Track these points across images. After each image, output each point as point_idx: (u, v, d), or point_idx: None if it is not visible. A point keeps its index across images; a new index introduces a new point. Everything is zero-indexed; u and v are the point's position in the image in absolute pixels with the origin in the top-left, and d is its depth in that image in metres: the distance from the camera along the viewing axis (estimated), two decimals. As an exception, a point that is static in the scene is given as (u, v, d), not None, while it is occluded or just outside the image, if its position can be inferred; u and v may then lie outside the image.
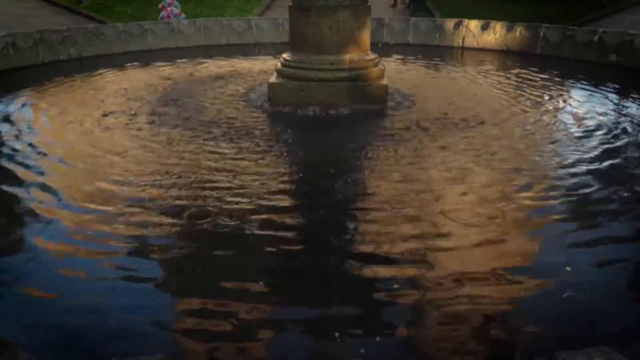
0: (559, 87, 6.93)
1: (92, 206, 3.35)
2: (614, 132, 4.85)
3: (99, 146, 4.46)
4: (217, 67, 8.07)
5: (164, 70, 7.85)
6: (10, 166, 4.02)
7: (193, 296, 2.49)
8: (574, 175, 3.85)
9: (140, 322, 2.28)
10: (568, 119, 5.36)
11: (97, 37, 9.04)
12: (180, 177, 3.79)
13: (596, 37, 8.40)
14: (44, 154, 4.32)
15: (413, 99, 5.94)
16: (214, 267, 2.75)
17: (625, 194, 3.54)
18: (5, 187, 3.64)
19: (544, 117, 5.39)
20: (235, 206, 3.33)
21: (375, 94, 5.62)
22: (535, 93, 6.42)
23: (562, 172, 3.93)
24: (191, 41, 9.93)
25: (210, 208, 3.31)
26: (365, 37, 5.76)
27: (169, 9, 11.11)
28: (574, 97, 6.46)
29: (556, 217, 3.26)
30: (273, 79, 5.82)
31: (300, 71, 5.62)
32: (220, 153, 4.27)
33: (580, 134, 4.81)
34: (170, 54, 9.08)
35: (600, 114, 5.46)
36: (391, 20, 10.77)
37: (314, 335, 2.24)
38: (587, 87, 6.84)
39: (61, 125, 5.14)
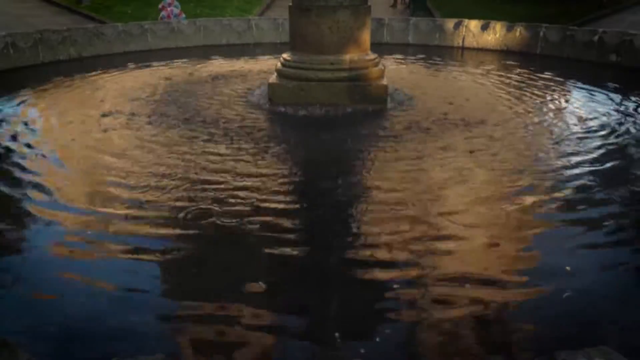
0: (559, 87, 6.93)
1: (90, 207, 3.35)
2: (615, 132, 4.85)
3: (98, 146, 4.46)
4: (217, 67, 8.07)
5: (163, 70, 7.85)
6: (9, 166, 4.02)
7: (193, 296, 2.49)
8: (575, 175, 3.85)
9: (140, 322, 2.28)
10: (568, 119, 5.36)
11: (97, 37, 9.04)
12: (179, 177, 3.79)
13: (596, 37, 8.40)
14: (43, 154, 4.32)
15: (413, 99, 5.94)
16: (213, 267, 2.75)
17: (627, 194, 3.54)
18: (2, 188, 3.64)
19: (544, 117, 5.39)
20: (235, 207, 3.33)
21: (375, 94, 5.62)
22: (535, 93, 6.42)
23: (562, 172, 3.93)
24: (191, 41, 9.93)
25: (209, 208, 3.30)
26: (365, 37, 5.76)
27: (169, 9, 11.11)
28: (575, 97, 6.46)
29: (557, 217, 3.27)
30: (273, 79, 5.82)
31: (300, 71, 5.62)
32: (219, 153, 4.27)
33: (581, 134, 4.81)
34: (170, 54, 9.08)
35: (601, 114, 5.46)
36: (391, 20, 10.77)
37: (314, 335, 2.24)
38: (587, 87, 6.84)
39: (60, 125, 5.14)
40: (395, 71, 7.50)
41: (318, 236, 3.09)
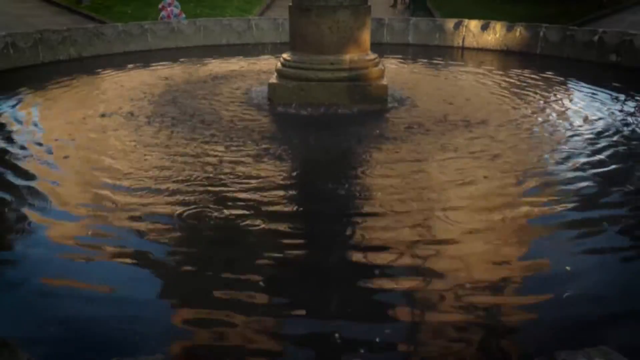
0: (559, 87, 6.93)
1: (88, 207, 3.35)
2: (616, 133, 4.84)
3: (98, 147, 4.45)
4: (217, 67, 8.07)
5: (163, 70, 7.85)
6: (7, 167, 4.01)
7: (192, 297, 2.49)
8: (577, 175, 3.84)
9: (140, 322, 2.28)
10: (569, 119, 5.35)
11: (97, 37, 9.04)
12: (178, 178, 3.78)
13: (596, 37, 8.40)
14: (42, 155, 4.31)
15: (413, 99, 5.94)
16: (213, 268, 2.74)
17: (629, 195, 3.54)
18: None
19: (545, 117, 5.39)
20: (235, 207, 3.32)
21: (375, 94, 5.62)
22: (535, 93, 6.42)
23: (564, 172, 3.92)
24: (191, 41, 9.93)
25: (209, 209, 3.30)
26: (365, 37, 5.76)
27: (169, 9, 11.11)
28: (575, 97, 6.46)
29: (557, 217, 3.25)
30: (273, 79, 5.82)
31: (300, 71, 5.62)
32: (219, 153, 4.26)
33: (582, 134, 4.80)
34: (170, 54, 9.08)
35: (603, 114, 5.46)
36: (391, 20, 10.77)
37: (314, 335, 2.24)
38: (587, 87, 6.84)
39: (60, 125, 5.14)
40: (395, 71, 7.50)
41: (318, 236, 3.09)
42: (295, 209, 3.45)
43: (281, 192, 3.60)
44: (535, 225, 3.22)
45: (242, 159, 4.14)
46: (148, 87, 6.66)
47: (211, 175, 3.83)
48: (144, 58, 8.70)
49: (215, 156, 4.20)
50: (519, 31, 9.38)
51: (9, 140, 4.63)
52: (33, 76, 7.31)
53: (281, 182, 3.78)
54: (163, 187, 3.62)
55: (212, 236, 3.05)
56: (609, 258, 2.83)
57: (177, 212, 3.26)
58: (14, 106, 5.78)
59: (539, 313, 2.35)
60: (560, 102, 6.12)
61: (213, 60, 8.56)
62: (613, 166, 4.04)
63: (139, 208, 3.31)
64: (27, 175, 3.84)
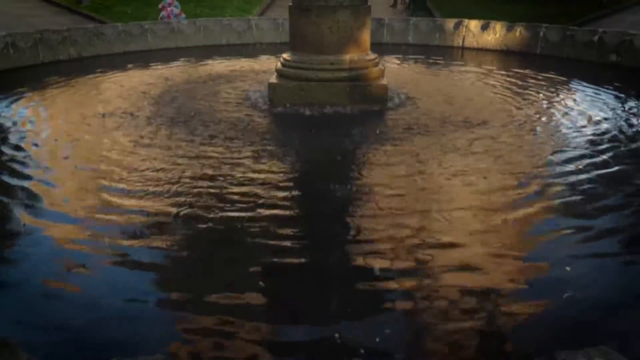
0: (559, 87, 6.93)
1: (87, 208, 3.35)
2: (617, 132, 4.84)
3: (97, 147, 4.45)
4: (217, 67, 8.07)
5: (163, 70, 7.85)
6: (6, 167, 4.01)
7: (192, 296, 2.49)
8: (578, 176, 3.83)
9: (140, 322, 2.28)
10: (570, 119, 5.34)
11: (97, 37, 9.04)
12: (178, 178, 3.78)
13: (596, 37, 8.40)
14: (42, 155, 4.31)
15: (413, 99, 5.94)
16: (213, 268, 2.75)
17: (631, 195, 3.54)
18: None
19: (546, 118, 5.39)
20: (234, 207, 3.32)
21: (376, 94, 5.62)
22: (536, 93, 6.42)
23: (565, 173, 3.90)
24: (191, 41, 9.93)
25: (208, 209, 3.30)
26: (365, 37, 5.76)
27: (169, 9, 11.11)
28: (575, 97, 6.46)
29: (558, 218, 3.26)
30: (273, 79, 5.82)
31: (300, 71, 5.62)
32: (219, 154, 4.26)
33: (583, 135, 4.79)
34: (170, 54, 9.08)
35: (604, 115, 5.46)
36: (391, 20, 10.77)
37: (313, 335, 2.24)
38: (587, 87, 6.84)
39: (60, 125, 5.14)
40: (395, 71, 7.50)
41: (318, 237, 3.09)
42: (295, 209, 3.45)
43: (281, 193, 3.60)
44: (536, 226, 3.22)
45: (242, 159, 4.13)
46: (148, 87, 6.66)
47: (210, 175, 3.83)
48: (144, 58, 8.70)
49: (215, 156, 4.19)
50: (519, 31, 9.37)
51: (8, 140, 4.63)
52: (33, 76, 7.31)
53: (281, 182, 3.78)
54: (162, 187, 3.62)
55: (211, 237, 3.05)
56: (609, 258, 2.83)
57: (177, 212, 3.26)
58: (13, 106, 5.78)
59: (539, 313, 2.35)
60: (561, 102, 6.11)
61: (213, 60, 8.56)
62: (616, 167, 4.02)
63: (138, 209, 3.31)
64: (27, 176, 3.84)
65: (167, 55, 8.99)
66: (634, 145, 4.56)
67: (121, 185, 3.65)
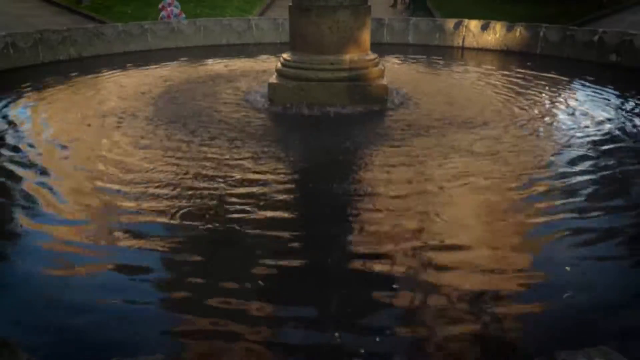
0: (559, 87, 6.93)
1: (86, 208, 3.35)
2: (617, 133, 4.84)
3: (97, 147, 4.45)
4: (217, 67, 8.08)
5: (163, 70, 7.85)
6: (5, 167, 4.00)
7: (192, 297, 2.49)
8: (580, 176, 3.82)
9: (140, 322, 2.28)
10: (571, 119, 5.33)
11: (97, 37, 9.04)
12: (178, 178, 3.78)
13: (596, 37, 8.40)
14: (41, 155, 4.31)
15: (413, 99, 5.94)
16: (212, 268, 2.75)
17: (632, 196, 3.53)
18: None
19: (547, 118, 5.38)
20: (234, 208, 3.32)
21: (375, 94, 5.62)
22: (536, 93, 6.42)
23: (566, 173, 3.90)
24: (191, 41, 9.93)
25: (208, 209, 3.30)
26: (365, 37, 5.76)
27: (169, 9, 11.11)
28: (576, 97, 6.46)
29: (558, 218, 3.25)
30: (273, 79, 5.82)
31: (300, 71, 5.62)
32: (219, 154, 4.26)
33: (585, 135, 4.78)
34: (170, 54, 9.08)
35: (602, 114, 5.46)
36: (391, 20, 10.78)
37: (313, 335, 2.24)
38: (588, 87, 6.84)
39: (59, 125, 5.14)
40: (395, 71, 7.50)
41: (318, 236, 3.09)
42: (295, 209, 3.45)
43: (281, 193, 3.60)
44: (536, 226, 3.22)
45: (242, 160, 4.13)
46: (148, 87, 6.66)
47: (210, 176, 3.82)
48: (144, 58, 8.70)
49: (215, 157, 4.19)
50: (519, 31, 9.38)
51: (8, 140, 4.63)
52: (33, 76, 7.31)
53: (281, 182, 3.78)
54: (162, 188, 3.62)
55: (211, 237, 3.05)
56: (610, 258, 2.82)
57: (177, 212, 3.26)
58: (13, 106, 5.78)
59: (539, 313, 2.35)
60: (562, 102, 6.12)
61: (213, 60, 8.56)
62: (619, 168, 4.01)
63: (137, 209, 3.31)
64: (26, 176, 3.84)
65: (167, 55, 9.00)
66: (636, 146, 4.55)
67: (120, 186, 3.64)
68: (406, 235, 3.01)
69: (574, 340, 2.09)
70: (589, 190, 3.61)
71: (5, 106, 5.75)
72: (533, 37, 9.20)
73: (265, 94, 5.84)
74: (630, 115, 5.43)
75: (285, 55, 5.88)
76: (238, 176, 3.81)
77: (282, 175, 3.90)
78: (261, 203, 3.39)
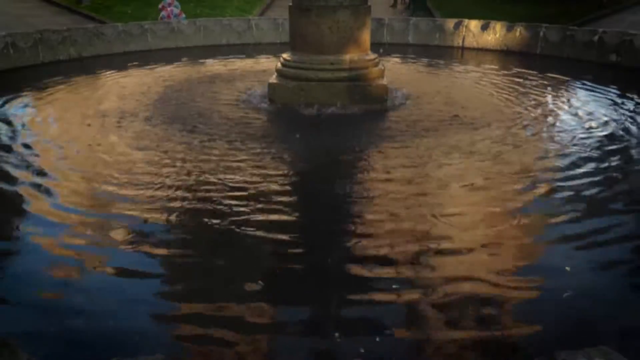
0: (560, 87, 6.93)
1: (86, 208, 3.35)
2: (618, 133, 4.84)
3: (96, 147, 4.45)
4: (217, 67, 8.08)
5: (163, 70, 7.85)
6: (4, 167, 4.00)
7: (192, 297, 2.49)
8: (582, 177, 3.81)
9: (140, 323, 2.28)
10: (573, 119, 5.33)
11: (97, 37, 9.04)
12: (177, 178, 3.78)
13: (596, 37, 8.40)
14: (40, 155, 4.30)
15: (413, 99, 5.94)
16: (212, 269, 2.74)
17: (634, 197, 3.53)
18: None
19: (547, 118, 5.38)
20: (234, 208, 3.32)
21: (375, 94, 5.62)
22: (536, 93, 6.41)
23: (567, 174, 3.90)
24: (191, 41, 9.94)
25: (208, 209, 3.30)
26: (365, 37, 5.76)
27: (169, 9, 11.11)
28: (576, 97, 6.46)
29: (558, 218, 3.24)
30: (273, 79, 5.82)
31: (300, 71, 5.62)
32: (219, 154, 4.26)
33: (585, 135, 4.78)
34: (170, 54, 9.09)
35: (603, 114, 5.45)
36: (391, 20, 10.78)
37: (313, 335, 2.24)
38: (588, 87, 6.84)
39: (59, 126, 5.14)
40: (395, 71, 7.50)
41: (318, 236, 3.09)
42: (295, 209, 3.45)
43: (281, 193, 3.59)
44: (537, 226, 3.22)
45: (242, 160, 4.13)
46: (148, 87, 6.66)
47: (210, 176, 3.82)
48: (144, 58, 8.70)
49: (215, 157, 4.19)
50: (519, 31, 9.38)
51: (8, 140, 4.63)
52: (33, 76, 7.31)
53: (281, 183, 3.78)
54: (161, 188, 3.61)
55: (210, 238, 3.05)
56: (610, 258, 2.82)
57: (176, 213, 3.26)
58: (13, 106, 5.78)
59: (539, 313, 2.35)
60: (562, 102, 6.12)
61: (213, 60, 8.56)
62: (621, 168, 4.00)
63: (136, 210, 3.30)
64: (25, 176, 3.84)
65: (167, 55, 9.00)
66: (634, 143, 4.55)
67: (119, 187, 3.63)
68: (406, 235, 3.01)
69: (574, 340, 2.09)
70: (592, 191, 3.60)
71: (5, 106, 5.75)
72: (533, 37, 9.20)
73: (265, 94, 5.84)
74: (633, 115, 5.42)
75: (285, 55, 5.88)
76: (238, 176, 3.81)
77: (282, 176, 3.90)
78: (261, 203, 3.38)
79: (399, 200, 3.44)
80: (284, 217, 3.24)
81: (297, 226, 3.21)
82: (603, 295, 2.48)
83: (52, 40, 8.43)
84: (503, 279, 2.62)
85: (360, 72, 5.62)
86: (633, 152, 4.41)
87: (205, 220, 3.17)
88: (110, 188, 3.61)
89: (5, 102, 5.88)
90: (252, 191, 3.56)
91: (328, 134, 4.94)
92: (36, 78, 7.16)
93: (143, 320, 2.30)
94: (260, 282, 2.58)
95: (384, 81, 5.73)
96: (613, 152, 4.33)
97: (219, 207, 3.32)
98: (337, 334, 2.19)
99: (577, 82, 7.14)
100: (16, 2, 16.18)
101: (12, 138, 4.69)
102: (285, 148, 4.47)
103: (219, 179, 3.75)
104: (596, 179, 3.78)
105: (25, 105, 5.88)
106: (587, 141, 4.60)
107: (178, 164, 4.05)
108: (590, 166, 4.01)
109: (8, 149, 4.40)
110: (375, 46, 6.49)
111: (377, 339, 2.17)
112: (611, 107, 5.77)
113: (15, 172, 3.90)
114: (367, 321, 2.32)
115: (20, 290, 2.50)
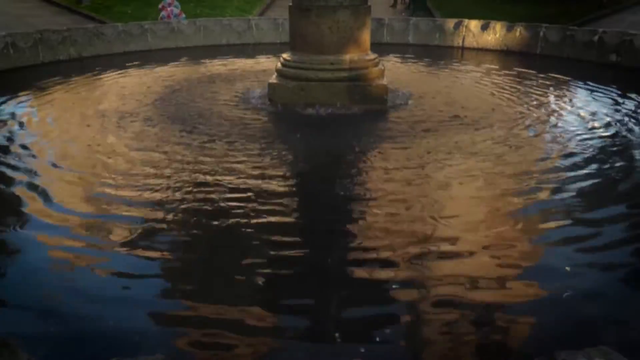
0: (560, 87, 6.92)
1: (86, 209, 3.35)
2: (619, 133, 4.83)
3: (96, 148, 4.44)
4: (217, 67, 8.07)
5: (163, 70, 7.85)
6: (4, 167, 4.00)
7: (192, 298, 2.49)
8: (580, 177, 3.81)
9: (140, 323, 2.28)
10: (574, 120, 5.31)
11: (97, 37, 9.04)
12: (177, 178, 3.78)
13: (596, 37, 8.40)
14: (40, 155, 4.29)
15: (413, 99, 5.94)
16: (212, 269, 2.74)
17: (634, 197, 3.52)
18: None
19: (548, 118, 5.37)
20: (234, 208, 3.32)
21: (375, 94, 5.62)
22: (536, 93, 6.41)
23: (568, 174, 3.89)
24: (191, 41, 9.94)
25: (207, 210, 3.30)
26: (365, 37, 5.76)
27: (169, 9, 11.11)
28: (576, 97, 6.45)
29: (558, 218, 3.25)
30: (273, 79, 5.82)
31: (300, 71, 5.62)
32: (218, 154, 4.25)
33: (585, 135, 4.77)
34: (170, 54, 9.09)
35: (603, 114, 5.45)
36: (391, 20, 10.78)
37: (314, 335, 2.24)
38: (588, 87, 6.83)
39: (59, 126, 5.14)
40: (395, 71, 7.50)
41: (318, 236, 3.09)
42: (295, 210, 3.45)
43: (280, 194, 3.59)
44: (537, 227, 3.22)
45: (241, 160, 4.13)
46: (147, 87, 6.66)
47: (210, 176, 3.82)
48: (144, 58, 8.70)
49: (214, 157, 4.18)
50: (519, 31, 9.37)
51: (7, 140, 4.62)
52: (33, 76, 7.31)
53: (280, 183, 3.77)
54: (161, 188, 3.61)
55: (210, 238, 3.05)
56: (610, 259, 2.82)
57: (177, 213, 3.26)
58: (13, 106, 5.78)
59: (539, 313, 2.35)
60: (563, 102, 6.11)
61: (213, 60, 8.55)
62: (622, 169, 3.99)
63: (136, 210, 3.30)
64: (24, 177, 3.83)
65: (167, 55, 9.00)
66: (635, 143, 4.55)
67: (118, 188, 3.63)
68: (407, 236, 3.00)
69: (574, 340, 2.09)
70: (594, 192, 3.59)
71: (5, 106, 5.74)
72: (533, 37, 9.20)
73: (265, 94, 5.84)
74: (636, 116, 5.40)
75: (285, 55, 5.88)
76: (238, 177, 3.80)
77: (282, 176, 3.90)
78: (261, 204, 3.38)
79: (399, 201, 3.43)
80: (284, 218, 3.24)
81: (297, 226, 3.21)
82: (603, 295, 2.48)
83: (52, 40, 8.43)
84: (503, 280, 2.62)
85: (360, 72, 5.62)
86: (636, 152, 4.39)
87: (205, 220, 3.17)
88: (110, 189, 3.60)
89: (4, 103, 5.86)
90: (252, 191, 3.55)
91: (328, 134, 4.93)
92: (36, 78, 7.15)
93: (143, 320, 2.30)
94: (260, 282, 2.58)
95: (384, 81, 5.73)
96: (615, 153, 4.31)
97: (218, 207, 3.32)
98: (337, 335, 2.18)
99: (578, 82, 7.13)
100: (16, 2, 16.19)
101: (12, 138, 4.69)
102: (285, 148, 4.47)
103: (219, 180, 3.75)
104: (602, 180, 3.76)
105: (25, 105, 5.87)
106: (590, 142, 4.58)
107: (178, 164, 4.05)
108: (592, 167, 4.00)
109: (6, 149, 4.39)
110: (375, 46, 6.48)
111: (377, 339, 2.17)
112: (612, 108, 5.77)
113: (11, 173, 3.89)
114: (367, 321, 2.32)
115: (20, 291, 2.50)
